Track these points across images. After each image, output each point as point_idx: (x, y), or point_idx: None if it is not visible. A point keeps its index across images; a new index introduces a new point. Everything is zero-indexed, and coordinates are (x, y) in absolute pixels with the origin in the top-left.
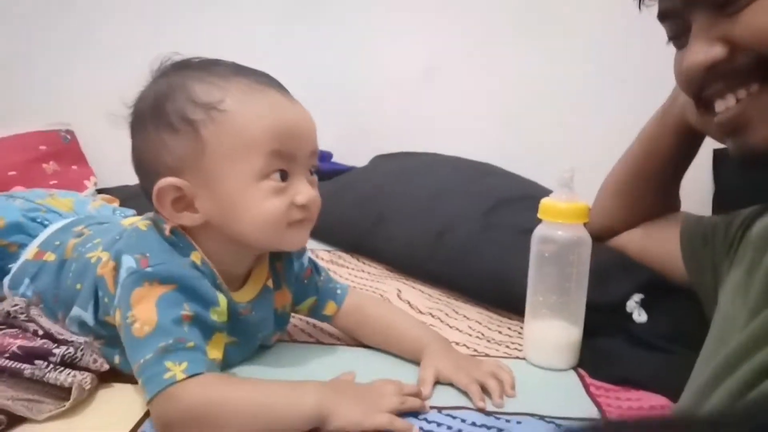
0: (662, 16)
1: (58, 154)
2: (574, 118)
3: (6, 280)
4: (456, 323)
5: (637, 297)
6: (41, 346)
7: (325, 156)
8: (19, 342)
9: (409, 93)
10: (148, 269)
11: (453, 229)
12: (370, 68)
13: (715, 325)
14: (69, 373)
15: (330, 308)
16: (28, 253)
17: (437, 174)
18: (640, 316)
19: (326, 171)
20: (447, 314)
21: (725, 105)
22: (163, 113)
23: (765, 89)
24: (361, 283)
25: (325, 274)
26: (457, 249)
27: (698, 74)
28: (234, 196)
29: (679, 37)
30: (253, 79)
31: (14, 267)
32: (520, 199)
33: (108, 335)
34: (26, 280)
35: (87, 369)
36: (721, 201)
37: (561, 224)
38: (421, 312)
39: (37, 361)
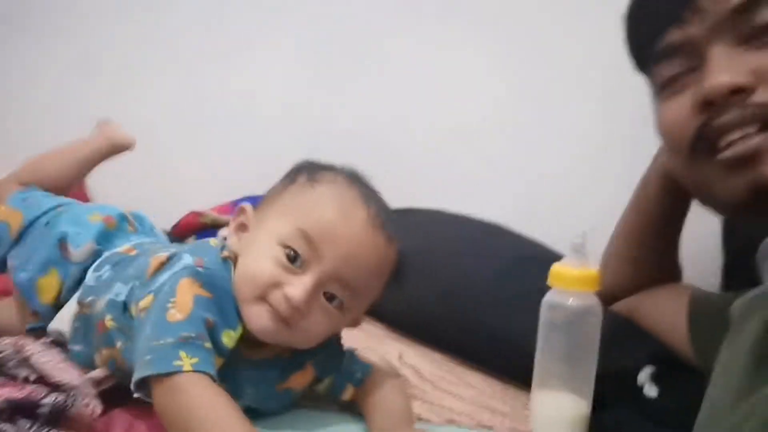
0: (671, 51)
1: None
2: (587, 179)
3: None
4: (460, 391)
5: (649, 369)
6: (29, 396)
7: None
8: (5, 393)
9: (431, 149)
10: (200, 269)
11: (462, 290)
12: (392, 121)
13: (703, 410)
14: None
15: (348, 393)
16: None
17: (445, 232)
18: (650, 391)
19: None
20: (450, 382)
21: (734, 137)
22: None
23: None
24: (361, 344)
25: (350, 352)
26: (465, 311)
27: (722, 97)
28: (253, 240)
29: (680, 78)
30: (362, 192)
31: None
32: (531, 263)
33: (121, 322)
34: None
35: (80, 416)
36: (732, 273)
37: (572, 291)
38: (424, 378)
39: (20, 421)
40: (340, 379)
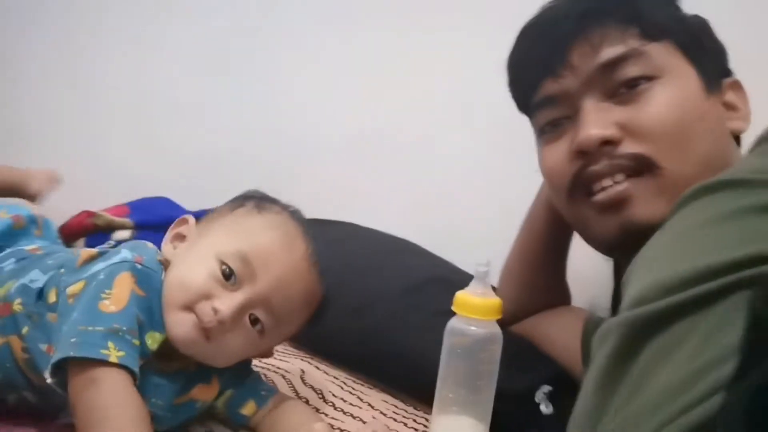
0: (548, 101)
1: None
2: (495, 203)
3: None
4: (360, 413)
5: (545, 388)
6: None
7: None
8: None
9: (338, 159)
10: (139, 266)
11: (370, 307)
12: (295, 128)
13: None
14: None
15: (249, 408)
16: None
17: (355, 247)
18: (547, 408)
19: None
20: (351, 403)
21: (606, 184)
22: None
23: (643, 178)
24: (262, 361)
25: (256, 373)
26: (372, 329)
27: (593, 148)
28: (190, 251)
29: (555, 126)
30: (304, 229)
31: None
32: (440, 282)
33: (32, 308)
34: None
35: None
36: (620, 298)
37: (474, 320)
38: (324, 400)
39: None
40: (242, 394)
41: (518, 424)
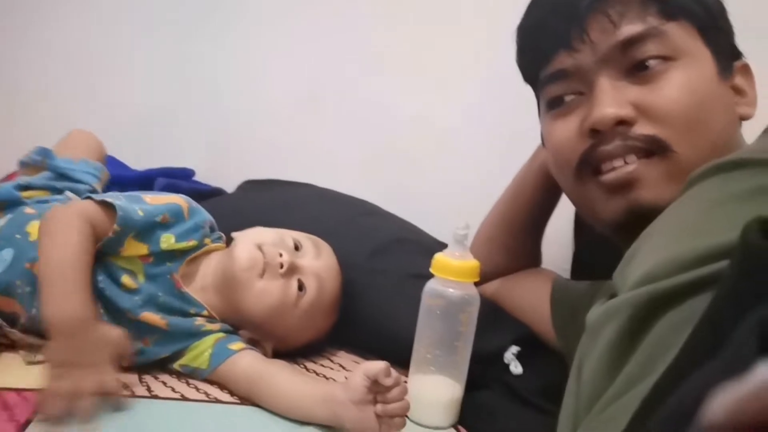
0: (560, 75)
1: None
2: (461, 162)
3: None
4: (332, 374)
5: (514, 349)
6: None
7: (186, 173)
8: None
9: (287, 118)
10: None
11: None
12: (247, 87)
13: (564, 407)
14: None
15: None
16: None
17: (316, 209)
18: (516, 369)
19: (186, 190)
20: (322, 365)
21: (616, 165)
22: None
23: (653, 160)
24: None
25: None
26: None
27: (606, 128)
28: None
29: (566, 101)
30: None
31: None
32: (405, 243)
33: None
34: None
35: None
36: (580, 262)
37: (452, 281)
38: (295, 362)
39: None
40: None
41: (488, 384)
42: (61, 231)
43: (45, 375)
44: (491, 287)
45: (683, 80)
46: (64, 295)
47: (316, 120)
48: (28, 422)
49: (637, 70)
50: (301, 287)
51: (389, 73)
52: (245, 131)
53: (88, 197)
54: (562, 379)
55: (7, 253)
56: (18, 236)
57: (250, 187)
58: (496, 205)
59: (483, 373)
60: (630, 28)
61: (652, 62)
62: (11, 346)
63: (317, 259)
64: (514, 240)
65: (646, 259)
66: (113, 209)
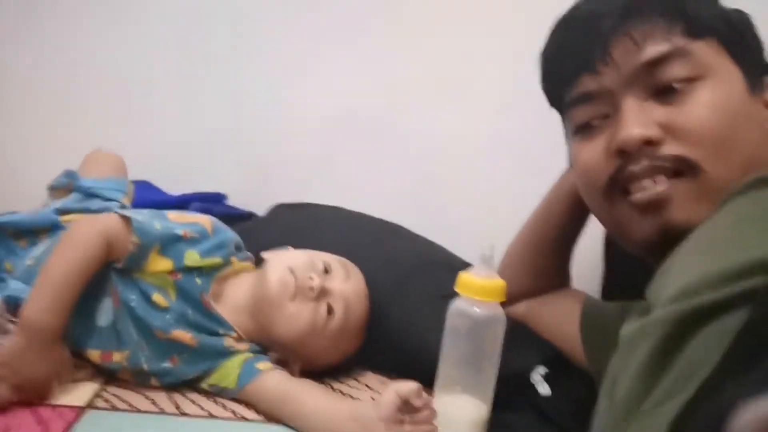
0: (586, 98)
1: None
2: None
3: None
4: (359, 395)
5: (541, 370)
6: None
7: (219, 197)
8: None
9: (318, 142)
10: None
11: None
12: (272, 111)
13: (595, 426)
14: None
15: (264, 365)
16: None
17: (344, 231)
18: (544, 390)
19: (218, 214)
20: (349, 385)
21: (645, 185)
22: None
23: (683, 180)
24: None
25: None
26: None
27: (634, 148)
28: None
29: (592, 125)
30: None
31: None
32: (432, 266)
33: None
34: None
35: None
36: (610, 281)
37: (478, 301)
38: (326, 383)
39: None
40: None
41: (515, 405)
42: (74, 244)
43: None
44: (520, 308)
45: (711, 99)
46: (45, 302)
47: (347, 144)
48: None
49: (663, 91)
50: (330, 310)
51: (419, 96)
52: (278, 156)
53: (114, 210)
54: (591, 400)
55: None
56: None
57: (281, 210)
58: (525, 227)
59: (510, 394)
60: (654, 49)
61: (677, 84)
62: None
63: (346, 283)
64: (543, 261)
65: (680, 275)
66: (130, 221)
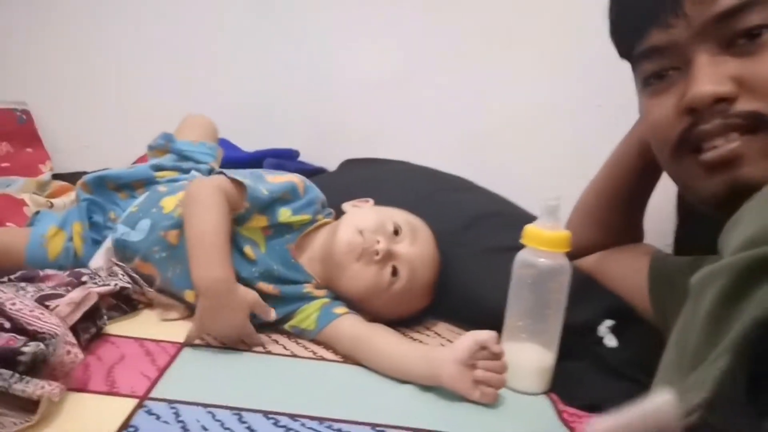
0: (655, 51)
1: (12, 135)
2: (552, 140)
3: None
4: (430, 341)
5: (608, 322)
6: (7, 344)
7: (292, 154)
8: None
9: (382, 97)
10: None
11: None
12: (340, 69)
13: (660, 372)
14: (37, 384)
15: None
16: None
17: (409, 184)
18: (610, 342)
19: (292, 169)
20: (418, 331)
21: (717, 143)
22: None
23: (757, 137)
24: None
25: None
26: None
27: (706, 105)
28: (372, 209)
29: (662, 77)
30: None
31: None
32: (495, 216)
33: None
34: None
35: (61, 364)
36: (683, 237)
37: (543, 251)
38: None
39: (1, 371)
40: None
41: (582, 355)
42: (204, 203)
43: (195, 327)
44: (590, 261)
45: None
46: (209, 259)
47: (407, 101)
48: (166, 366)
49: (737, 42)
50: (394, 272)
51: (477, 52)
52: (341, 112)
53: (221, 173)
54: (657, 351)
55: (145, 224)
56: (154, 210)
57: (351, 165)
58: (594, 180)
59: (576, 345)
60: None
61: (754, 33)
62: (149, 304)
63: (413, 246)
64: (613, 215)
65: (750, 225)
66: (243, 187)
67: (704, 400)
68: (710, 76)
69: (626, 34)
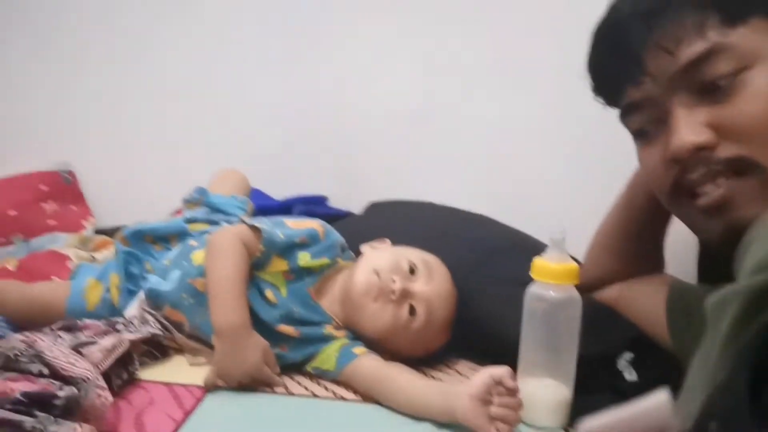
0: (634, 107)
1: (59, 195)
2: (568, 169)
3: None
4: (448, 379)
5: (628, 356)
6: (45, 390)
7: (321, 199)
8: (20, 386)
9: (401, 136)
10: (329, 226)
11: None
12: (364, 104)
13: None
14: (69, 426)
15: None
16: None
17: (430, 222)
18: (630, 375)
19: (323, 215)
20: (439, 369)
21: (706, 190)
22: None
23: (744, 179)
24: None
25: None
26: None
27: (687, 156)
28: (388, 250)
29: (647, 130)
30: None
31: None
32: (511, 251)
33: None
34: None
35: (93, 407)
36: (706, 262)
37: (552, 284)
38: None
39: (39, 414)
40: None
41: (601, 388)
42: (224, 252)
43: (212, 370)
44: (612, 292)
45: (761, 88)
46: (227, 306)
47: (426, 137)
48: (192, 409)
49: (709, 89)
50: (412, 311)
51: (491, 85)
52: (365, 154)
53: (242, 221)
54: (678, 385)
55: (176, 274)
56: (185, 263)
57: (375, 208)
58: (611, 212)
59: (595, 378)
60: (689, 51)
61: (722, 81)
62: (179, 350)
63: (429, 284)
64: (631, 245)
65: (759, 249)
66: (260, 232)
67: (704, 401)
68: (687, 126)
69: (606, 93)
